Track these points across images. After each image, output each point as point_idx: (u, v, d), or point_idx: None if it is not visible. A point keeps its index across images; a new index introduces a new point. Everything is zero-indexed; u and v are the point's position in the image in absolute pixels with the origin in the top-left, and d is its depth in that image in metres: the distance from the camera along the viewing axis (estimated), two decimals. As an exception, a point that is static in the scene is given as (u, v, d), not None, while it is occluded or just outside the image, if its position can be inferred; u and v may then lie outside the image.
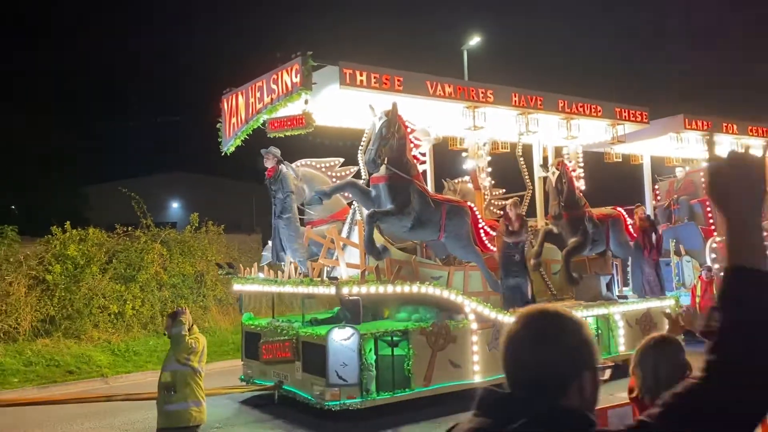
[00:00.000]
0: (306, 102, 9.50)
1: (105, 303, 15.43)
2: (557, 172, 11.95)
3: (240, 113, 10.69)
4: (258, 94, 10.22)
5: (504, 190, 13.78)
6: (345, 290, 8.95)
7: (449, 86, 10.68)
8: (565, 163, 12.18)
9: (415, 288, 9.66)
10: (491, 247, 11.24)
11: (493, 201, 13.87)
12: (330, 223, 11.24)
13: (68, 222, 15.81)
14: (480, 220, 11.15)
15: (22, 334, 14.17)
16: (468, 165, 12.61)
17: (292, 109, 9.93)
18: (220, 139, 11.22)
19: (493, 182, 12.66)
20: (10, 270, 14.78)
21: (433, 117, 11.66)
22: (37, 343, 14.03)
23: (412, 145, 10.25)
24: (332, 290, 8.98)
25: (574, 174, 12.33)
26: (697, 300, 12.76)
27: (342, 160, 12.24)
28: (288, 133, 9.88)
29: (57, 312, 14.74)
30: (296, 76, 9.30)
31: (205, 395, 9.74)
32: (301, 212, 11.10)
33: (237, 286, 11.34)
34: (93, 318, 15.16)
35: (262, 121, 10.21)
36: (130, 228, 17.03)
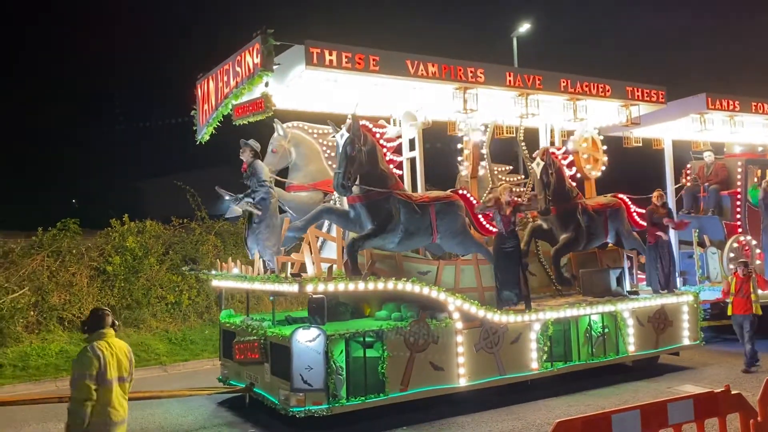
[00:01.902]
0: (266, 84, 8.80)
1: (162, 293, 15.94)
2: (542, 163, 10.98)
3: (211, 99, 10.08)
4: (225, 78, 9.59)
5: (511, 167, 12.94)
6: (309, 288, 8.25)
7: (433, 65, 9.83)
8: (553, 152, 11.19)
9: (390, 285, 8.91)
10: (493, 229, 10.46)
11: (504, 180, 13.02)
12: (311, 191, 10.75)
13: (126, 215, 16.53)
14: (476, 204, 10.40)
15: None
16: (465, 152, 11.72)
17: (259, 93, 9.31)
18: (195, 128, 10.63)
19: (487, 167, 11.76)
20: (72, 261, 15.45)
21: (424, 100, 10.86)
22: None
23: (385, 149, 9.52)
24: (295, 288, 8.29)
25: (565, 162, 11.35)
26: (731, 298, 11.61)
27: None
28: (251, 119, 9.21)
29: (117, 302, 15.36)
30: (257, 57, 8.62)
31: (178, 396, 9.38)
32: (284, 175, 10.51)
33: (215, 282, 10.78)
34: (151, 308, 15.70)
35: (230, 107, 9.56)
36: (185, 220, 17.58)
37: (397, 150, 10.28)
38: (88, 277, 15.40)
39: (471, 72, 10.20)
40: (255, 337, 9.14)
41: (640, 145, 15.25)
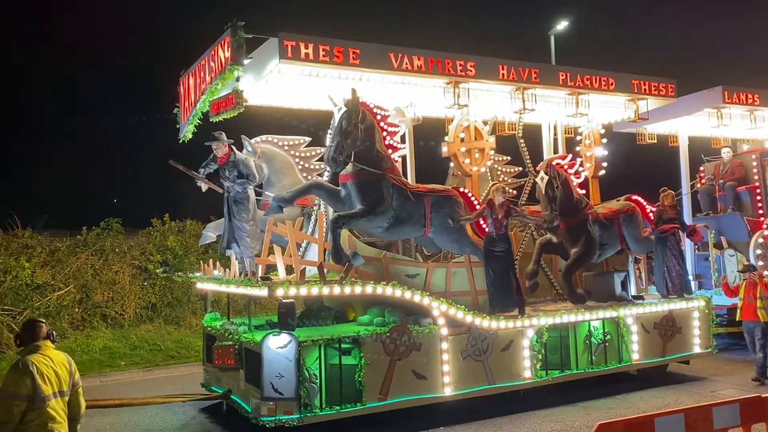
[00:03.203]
0: (238, 79, 8.44)
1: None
2: (546, 177, 10.35)
3: (191, 96, 9.78)
4: (202, 74, 9.28)
5: (509, 158, 12.39)
6: (279, 292, 7.86)
7: (419, 59, 9.40)
8: (558, 163, 10.56)
9: (368, 289, 8.47)
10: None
11: (504, 177, 12.49)
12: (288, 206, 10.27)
13: (167, 214, 16.93)
14: (477, 206, 9.88)
15: (127, 320, 15.39)
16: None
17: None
18: (177, 125, 10.34)
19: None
20: (115, 260, 15.95)
21: (414, 95, 10.42)
22: (141, 329, 15.27)
23: (385, 133, 9.05)
24: (264, 292, 7.91)
25: (571, 172, 10.70)
26: (739, 304, 10.87)
27: (308, 139, 11.15)
28: (225, 116, 8.86)
29: (158, 300, 15.80)
30: (227, 51, 8.27)
31: (151, 403, 9.07)
32: (258, 194, 10.10)
33: (200, 285, 10.48)
34: (191, 305, 16.06)
35: (207, 104, 9.22)
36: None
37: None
38: (131, 276, 15.81)
39: (460, 65, 9.73)
40: (230, 343, 8.79)
41: (655, 141, 14.60)
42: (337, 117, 8.68)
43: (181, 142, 10.21)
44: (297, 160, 10.90)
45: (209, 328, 10.10)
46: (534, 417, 8.97)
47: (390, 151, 9.08)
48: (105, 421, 9.42)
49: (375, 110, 9.06)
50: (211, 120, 9.21)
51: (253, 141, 10.72)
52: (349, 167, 8.79)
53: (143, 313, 15.72)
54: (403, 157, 10.70)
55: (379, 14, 36.06)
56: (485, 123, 11.57)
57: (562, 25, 23.30)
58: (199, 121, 9.79)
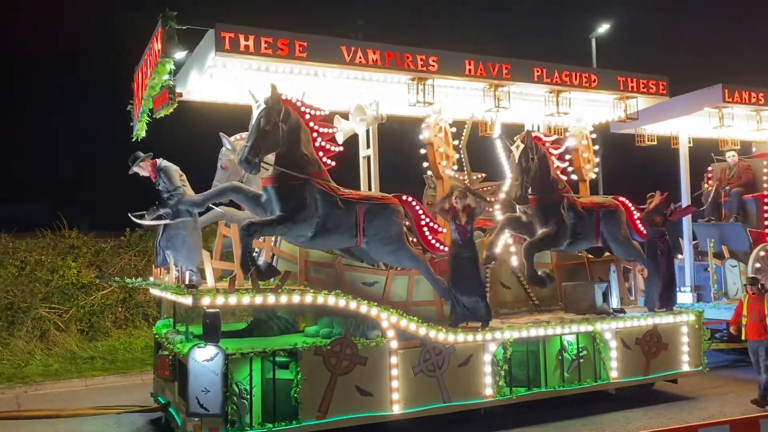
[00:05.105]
0: (170, 73, 7.95)
1: None
2: (522, 146, 9.59)
3: (140, 91, 9.34)
4: (145, 68, 8.83)
5: (485, 175, 11.68)
6: (205, 301, 7.33)
7: (374, 53, 8.79)
8: (538, 136, 9.81)
9: (308, 298, 7.89)
10: (442, 248, 9.23)
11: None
12: None
13: None
14: (423, 217, 9.17)
15: None
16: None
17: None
18: (132, 123, 9.91)
19: (455, 170, 10.52)
20: None
21: (379, 92, 9.82)
22: None
23: (315, 134, 8.32)
24: (188, 301, 7.39)
25: (554, 152, 9.99)
26: (744, 320, 9.99)
27: None
28: (163, 113, 8.38)
29: None
30: (159, 43, 7.79)
31: (81, 415, 8.66)
32: None
33: (153, 291, 10.03)
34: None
35: (151, 100, 8.77)
36: None
37: (333, 140, 9.01)
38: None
39: (421, 59, 9.10)
40: (167, 353, 8.32)
41: (655, 143, 13.77)
42: (255, 114, 7.96)
43: (134, 140, 9.76)
44: None
45: (157, 336, 9.64)
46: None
47: (321, 154, 8.39)
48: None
49: (304, 109, 8.29)
50: (154, 117, 8.75)
51: (232, 138, 10.18)
52: (271, 170, 8.17)
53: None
54: (367, 158, 10.10)
55: (414, 18, 35.48)
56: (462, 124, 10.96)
57: (603, 28, 22.93)
58: (148, 118, 9.33)
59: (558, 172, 10.16)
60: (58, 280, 14.53)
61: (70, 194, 28.03)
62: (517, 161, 9.60)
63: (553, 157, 10.06)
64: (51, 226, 16.03)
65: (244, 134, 10.23)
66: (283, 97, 8.02)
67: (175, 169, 8.55)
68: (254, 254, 8.00)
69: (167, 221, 8.41)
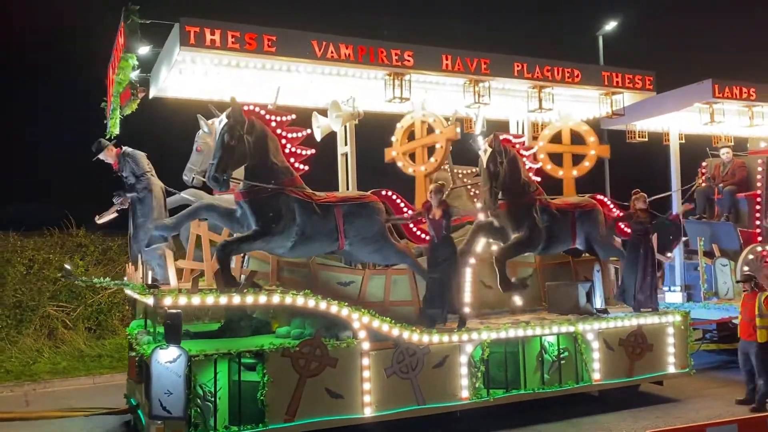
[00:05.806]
0: (134, 68, 7.78)
1: None
2: (489, 150, 9.30)
3: (111, 88, 9.18)
4: (115, 64, 8.66)
5: (476, 170, 11.46)
6: (167, 301, 7.16)
7: (347, 47, 8.61)
8: (506, 138, 9.54)
9: (276, 298, 7.71)
10: (427, 237, 9.05)
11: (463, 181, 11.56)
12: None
13: None
14: (404, 209, 9.00)
15: None
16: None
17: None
18: (105, 121, 9.75)
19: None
20: None
21: (355, 88, 9.65)
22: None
23: (284, 140, 8.07)
24: (150, 301, 7.23)
25: (525, 154, 9.72)
26: (738, 318, 9.74)
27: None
28: (131, 108, 8.22)
29: None
30: (122, 38, 7.62)
31: (49, 417, 8.50)
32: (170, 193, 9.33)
33: (126, 291, 9.87)
34: None
35: (119, 96, 8.61)
36: None
37: (307, 143, 8.82)
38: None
39: (396, 54, 8.92)
40: (134, 354, 8.16)
41: (645, 139, 13.54)
42: (218, 130, 7.70)
43: (108, 138, 9.60)
44: None
45: (129, 336, 9.49)
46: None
47: (293, 160, 8.17)
48: None
49: (269, 116, 8.03)
50: (122, 115, 8.59)
51: (210, 121, 9.97)
52: (241, 185, 7.94)
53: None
54: (345, 156, 9.92)
55: (423, 19, 35.20)
56: (447, 120, 10.75)
57: (610, 26, 22.71)
58: (120, 116, 9.17)
59: (530, 174, 9.86)
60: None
61: (77, 193, 28.16)
62: (485, 166, 9.28)
63: (524, 159, 9.76)
64: (59, 224, 16.17)
65: (223, 116, 10.09)
66: (246, 108, 7.80)
67: (141, 155, 8.41)
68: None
69: (121, 207, 8.31)
